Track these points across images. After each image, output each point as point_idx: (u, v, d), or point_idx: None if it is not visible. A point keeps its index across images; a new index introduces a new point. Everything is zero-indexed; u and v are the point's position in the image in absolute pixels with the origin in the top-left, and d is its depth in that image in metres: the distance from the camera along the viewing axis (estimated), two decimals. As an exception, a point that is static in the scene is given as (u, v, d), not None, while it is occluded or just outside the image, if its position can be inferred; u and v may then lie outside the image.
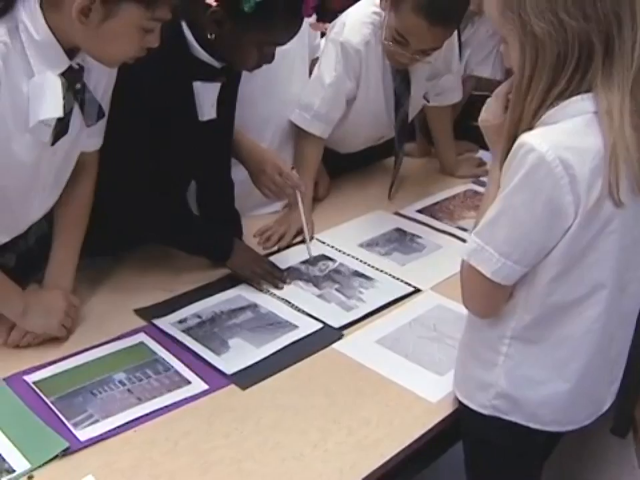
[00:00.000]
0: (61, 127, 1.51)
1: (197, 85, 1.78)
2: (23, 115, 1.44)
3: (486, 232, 1.30)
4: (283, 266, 2.00)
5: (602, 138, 1.22)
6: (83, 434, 1.42)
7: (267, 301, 1.86)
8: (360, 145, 2.48)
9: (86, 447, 1.39)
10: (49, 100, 1.43)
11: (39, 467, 1.34)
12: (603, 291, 1.32)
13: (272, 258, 2.03)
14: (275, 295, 1.89)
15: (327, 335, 1.74)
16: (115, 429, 1.44)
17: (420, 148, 2.76)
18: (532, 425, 1.41)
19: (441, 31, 1.99)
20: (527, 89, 1.25)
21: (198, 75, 1.77)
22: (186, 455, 1.39)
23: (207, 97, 1.80)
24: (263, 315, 1.81)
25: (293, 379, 1.61)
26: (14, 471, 1.32)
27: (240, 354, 1.67)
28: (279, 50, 1.82)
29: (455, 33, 2.29)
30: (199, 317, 1.79)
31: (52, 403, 1.49)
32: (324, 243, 2.14)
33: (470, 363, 1.47)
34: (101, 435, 1.42)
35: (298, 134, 2.27)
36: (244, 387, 1.57)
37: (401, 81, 2.23)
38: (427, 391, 1.56)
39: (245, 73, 1.93)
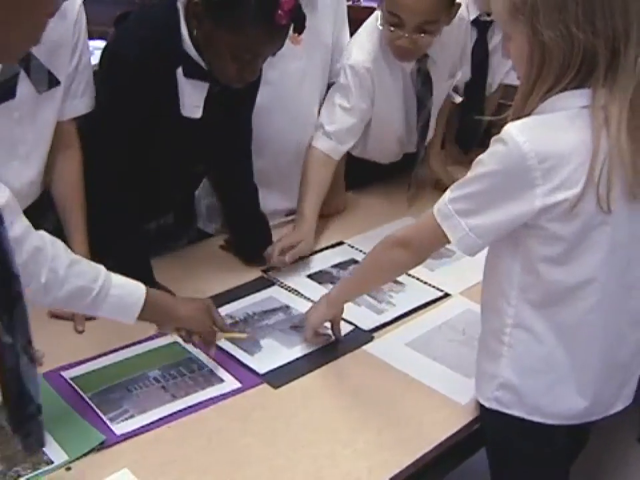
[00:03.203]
0: (3, 90, 1.55)
1: (180, 78, 1.76)
2: None
3: (458, 203, 1.37)
4: (315, 269, 2.04)
5: (590, 133, 1.27)
6: (119, 428, 1.45)
7: (298, 303, 1.89)
8: (397, 155, 2.46)
9: (121, 441, 1.43)
10: None
11: (77, 459, 1.37)
12: (594, 283, 1.35)
13: (305, 261, 2.07)
14: (306, 297, 1.92)
15: (358, 337, 1.77)
16: (149, 424, 1.47)
17: (451, 154, 2.75)
18: (535, 419, 1.42)
19: None
20: (531, 88, 1.31)
21: (185, 69, 1.75)
22: (219, 451, 1.42)
23: (191, 93, 1.78)
24: (295, 316, 1.84)
25: (323, 379, 1.64)
26: (52, 462, 1.36)
27: (272, 354, 1.70)
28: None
29: (468, 27, 2.30)
30: (232, 317, 1.82)
31: (89, 398, 1.53)
32: (353, 247, 2.17)
33: (481, 356, 1.51)
34: (136, 429, 1.46)
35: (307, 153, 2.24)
36: (276, 386, 1.60)
37: (422, 83, 2.22)
38: (456, 393, 1.58)
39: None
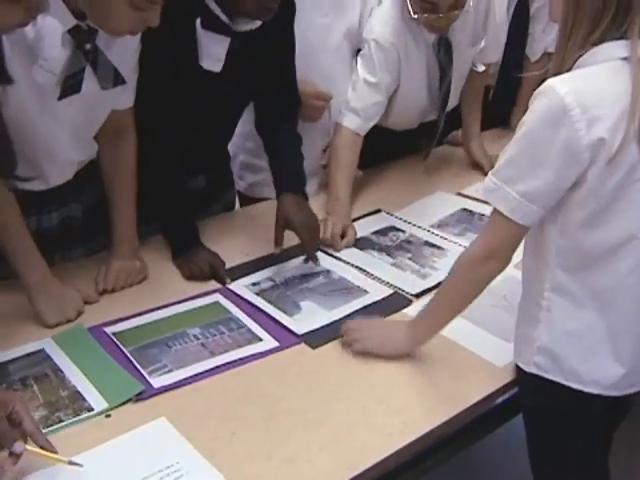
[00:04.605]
0: (70, 84, 1.56)
1: (199, 29, 1.76)
2: (29, 59, 1.48)
3: (503, 171, 1.34)
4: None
5: (631, 84, 1.26)
6: (157, 381, 1.48)
7: (339, 268, 1.90)
8: (413, 124, 2.45)
9: (159, 393, 1.45)
10: (48, 40, 1.47)
11: (116, 407, 1.41)
12: (634, 241, 1.33)
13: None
14: (348, 262, 1.92)
15: (397, 301, 1.77)
16: (186, 378, 1.50)
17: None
18: (572, 385, 1.40)
19: None
20: (569, 35, 1.30)
21: (203, 21, 1.75)
22: (255, 403, 1.44)
23: (211, 46, 1.78)
24: (335, 280, 1.85)
25: (361, 340, 1.64)
26: (93, 409, 1.40)
27: (311, 316, 1.71)
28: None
29: None
30: (272, 280, 1.84)
31: (129, 352, 1.56)
32: (391, 214, 2.18)
33: (520, 320, 1.50)
34: (173, 383, 1.48)
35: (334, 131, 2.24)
36: (314, 346, 1.61)
37: (445, 52, 2.21)
38: (493, 356, 1.58)
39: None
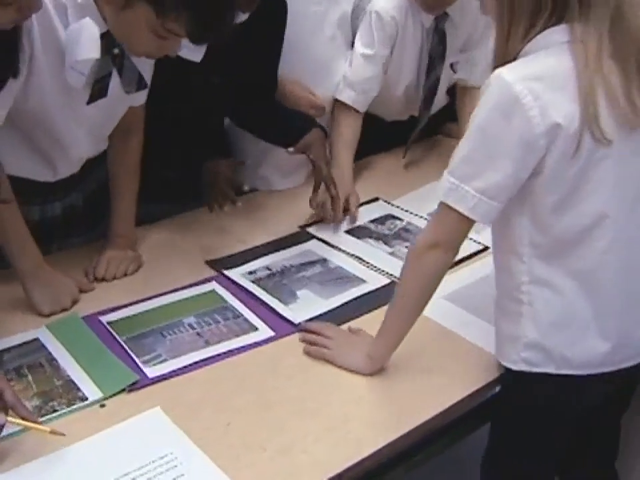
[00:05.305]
0: (98, 88, 1.57)
1: None
2: (58, 59, 1.48)
3: (459, 168, 1.31)
4: (353, 224, 2.04)
5: (575, 65, 1.24)
6: (151, 371, 1.47)
7: (336, 257, 1.89)
8: (401, 114, 2.43)
9: (153, 383, 1.44)
10: (85, 42, 1.46)
11: (110, 396, 1.40)
12: (606, 220, 1.31)
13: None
14: (345, 251, 1.91)
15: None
16: (181, 368, 1.49)
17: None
18: (564, 371, 1.37)
19: None
20: (507, 34, 1.28)
21: None
22: (250, 393, 1.43)
23: None
24: (332, 269, 1.84)
25: (358, 329, 1.63)
26: (87, 398, 1.39)
27: (308, 305, 1.70)
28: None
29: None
30: (269, 269, 1.83)
31: (124, 342, 1.55)
32: (389, 203, 2.16)
33: (499, 319, 1.46)
34: (168, 373, 1.47)
35: (334, 108, 2.22)
36: (310, 335, 1.60)
37: (438, 43, 2.20)
38: (491, 345, 1.55)
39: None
